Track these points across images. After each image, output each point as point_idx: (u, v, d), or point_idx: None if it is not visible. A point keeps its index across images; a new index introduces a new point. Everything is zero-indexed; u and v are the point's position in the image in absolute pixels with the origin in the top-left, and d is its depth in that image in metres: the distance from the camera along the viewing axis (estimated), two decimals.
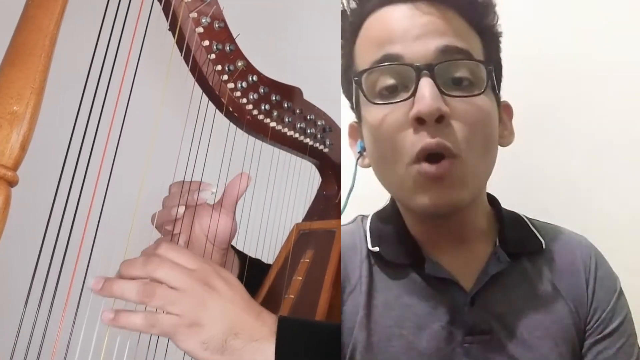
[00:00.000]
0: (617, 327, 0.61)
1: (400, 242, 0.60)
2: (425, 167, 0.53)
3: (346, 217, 0.61)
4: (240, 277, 0.80)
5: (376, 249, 0.60)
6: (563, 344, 0.59)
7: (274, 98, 0.79)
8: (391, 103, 0.54)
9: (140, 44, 0.58)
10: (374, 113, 0.56)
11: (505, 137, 0.60)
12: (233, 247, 0.83)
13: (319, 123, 0.88)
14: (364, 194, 0.60)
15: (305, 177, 0.94)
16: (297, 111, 0.83)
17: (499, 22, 0.59)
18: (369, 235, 0.62)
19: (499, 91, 0.59)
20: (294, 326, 0.60)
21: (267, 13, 1.30)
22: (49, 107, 0.49)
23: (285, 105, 0.81)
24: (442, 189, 0.53)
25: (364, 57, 0.57)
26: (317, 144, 0.89)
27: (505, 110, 0.61)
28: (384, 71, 0.54)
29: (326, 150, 0.91)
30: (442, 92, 0.53)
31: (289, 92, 0.82)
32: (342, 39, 0.61)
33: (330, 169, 0.97)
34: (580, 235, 0.66)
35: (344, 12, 0.59)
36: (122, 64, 0.55)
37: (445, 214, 0.56)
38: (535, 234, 0.63)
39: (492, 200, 0.64)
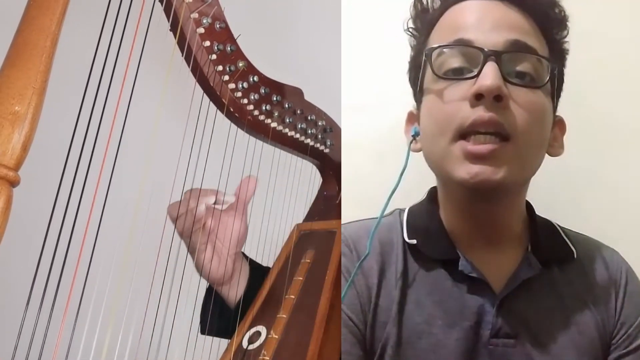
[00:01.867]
0: None
1: (436, 238, 0.61)
2: (470, 146, 0.54)
3: (396, 196, 0.60)
4: (250, 283, 0.81)
5: (413, 241, 0.61)
6: (587, 355, 0.59)
7: (274, 98, 0.79)
8: (456, 79, 0.56)
9: (141, 44, 0.57)
10: (438, 86, 0.57)
11: (555, 147, 0.61)
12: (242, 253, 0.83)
13: (319, 123, 0.88)
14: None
15: (305, 178, 0.94)
16: (298, 112, 0.83)
17: (567, 39, 0.60)
18: (406, 227, 0.62)
19: (557, 102, 0.60)
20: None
21: (268, 13, 1.30)
22: (50, 107, 0.49)
23: (286, 105, 0.81)
24: (485, 165, 0.54)
25: (437, 41, 0.59)
26: (318, 145, 0.89)
27: (558, 124, 0.62)
28: (454, 53, 0.57)
29: (327, 150, 0.91)
30: (504, 79, 0.54)
31: (290, 93, 0.82)
32: (415, 32, 0.63)
33: (330, 169, 0.97)
34: (612, 249, 0.65)
35: (424, 8, 0.61)
36: (123, 65, 0.55)
37: (483, 192, 0.56)
38: (567, 243, 0.63)
39: (527, 207, 0.64)
